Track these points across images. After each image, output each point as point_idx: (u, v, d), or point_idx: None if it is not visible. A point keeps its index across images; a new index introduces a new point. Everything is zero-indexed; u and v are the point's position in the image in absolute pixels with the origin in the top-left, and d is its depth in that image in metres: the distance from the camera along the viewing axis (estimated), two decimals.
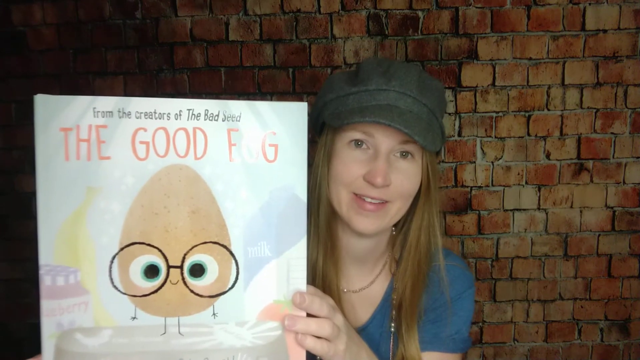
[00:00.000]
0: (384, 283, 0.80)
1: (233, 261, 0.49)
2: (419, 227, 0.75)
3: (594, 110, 1.80)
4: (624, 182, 1.83)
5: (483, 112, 1.81)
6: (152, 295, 0.48)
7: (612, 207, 1.85)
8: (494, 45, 1.77)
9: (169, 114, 0.46)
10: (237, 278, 0.49)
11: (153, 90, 1.82)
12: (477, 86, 1.79)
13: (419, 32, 1.77)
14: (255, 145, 0.48)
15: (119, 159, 0.46)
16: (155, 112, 0.46)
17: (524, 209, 1.86)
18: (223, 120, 0.47)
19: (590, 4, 1.73)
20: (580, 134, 1.81)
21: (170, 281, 0.49)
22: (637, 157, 1.82)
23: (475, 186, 1.85)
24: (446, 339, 0.75)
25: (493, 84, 1.79)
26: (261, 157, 0.48)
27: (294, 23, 1.78)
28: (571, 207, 1.85)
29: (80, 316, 0.48)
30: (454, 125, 1.82)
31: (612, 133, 1.81)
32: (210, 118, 0.47)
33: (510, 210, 1.86)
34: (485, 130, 1.82)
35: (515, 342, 1.93)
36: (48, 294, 0.47)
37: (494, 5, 1.75)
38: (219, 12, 1.78)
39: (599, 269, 1.88)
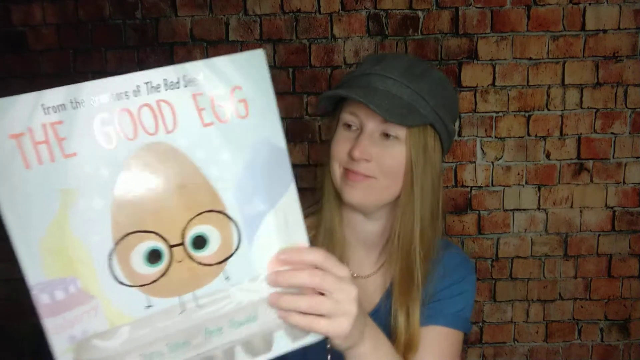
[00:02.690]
0: (390, 272, 0.83)
1: (232, 224, 0.49)
2: (402, 212, 0.77)
3: (594, 110, 1.80)
4: (624, 182, 1.83)
5: (483, 112, 1.81)
6: (161, 279, 0.47)
7: (612, 207, 1.85)
8: (494, 45, 1.77)
9: (126, 92, 0.43)
10: (240, 238, 0.49)
11: None
12: (477, 86, 1.80)
13: (419, 32, 1.77)
14: (225, 105, 0.46)
15: (86, 153, 0.43)
16: (112, 94, 0.43)
17: (524, 209, 1.86)
18: (185, 86, 0.45)
19: (590, 4, 1.73)
20: (580, 134, 1.81)
21: (176, 260, 0.47)
22: (637, 157, 1.82)
23: (475, 186, 1.85)
24: (449, 315, 0.78)
25: (493, 84, 1.79)
26: (233, 115, 0.47)
27: (294, 23, 1.78)
28: (571, 207, 1.85)
29: (92, 323, 0.46)
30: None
31: (612, 133, 1.81)
32: (171, 87, 0.44)
33: (510, 210, 1.86)
34: (485, 130, 1.82)
35: (515, 342, 1.94)
36: (49, 312, 0.44)
37: (494, 5, 1.75)
38: (219, 12, 1.78)
39: (599, 269, 1.88)
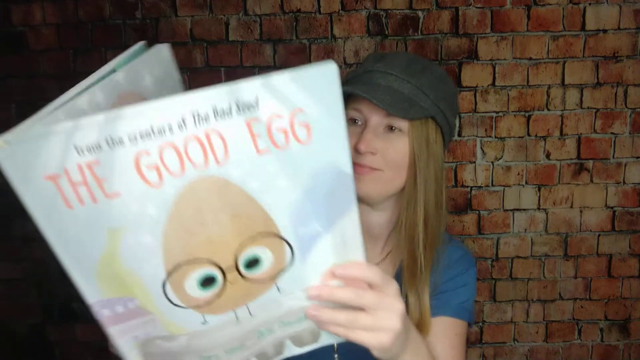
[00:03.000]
0: (396, 261, 0.86)
1: (285, 244, 0.46)
2: (407, 203, 0.81)
3: (594, 110, 1.80)
4: (624, 182, 1.83)
5: (483, 112, 1.81)
6: (215, 300, 0.46)
7: (612, 207, 1.85)
8: (494, 45, 1.77)
9: (170, 126, 0.37)
10: (293, 256, 0.47)
11: None
12: (477, 86, 1.80)
13: (419, 32, 1.77)
14: (283, 130, 0.39)
15: (130, 192, 0.38)
16: (152, 129, 0.36)
17: (524, 209, 1.86)
18: (238, 113, 0.37)
19: (590, 4, 1.73)
20: (580, 134, 1.81)
21: (229, 282, 0.45)
22: (637, 157, 1.82)
23: (475, 186, 1.85)
24: (455, 306, 0.82)
25: (493, 84, 1.79)
26: (292, 140, 0.40)
27: (294, 23, 1.78)
28: (571, 207, 1.85)
29: (153, 329, 0.47)
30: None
31: (612, 133, 1.81)
32: (222, 115, 0.37)
33: (510, 210, 1.86)
34: (485, 130, 1.82)
35: (515, 342, 1.94)
36: (112, 322, 0.45)
37: (494, 5, 1.75)
38: (219, 12, 1.78)
39: (599, 269, 1.88)
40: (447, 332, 0.80)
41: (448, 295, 0.82)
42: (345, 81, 0.82)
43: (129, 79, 0.47)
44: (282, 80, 0.37)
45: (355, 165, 0.76)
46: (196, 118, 0.37)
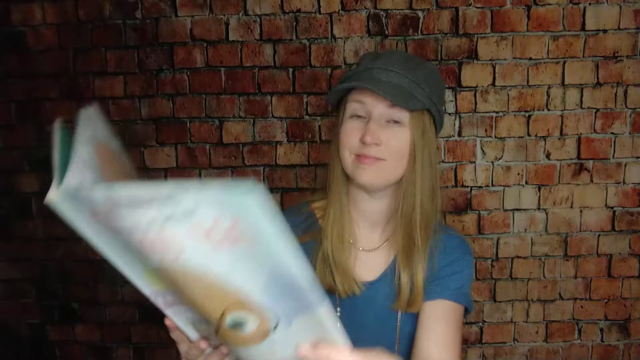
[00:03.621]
0: (394, 248, 0.91)
1: (265, 309, 0.48)
2: (405, 189, 0.86)
3: (594, 110, 1.80)
4: (624, 182, 1.83)
5: (483, 112, 1.81)
6: (216, 333, 0.53)
7: (612, 207, 1.85)
8: (494, 45, 1.77)
9: (138, 224, 0.41)
10: (277, 322, 0.49)
11: (153, 90, 1.82)
12: (477, 86, 1.79)
13: (419, 32, 1.77)
14: (231, 231, 0.41)
15: None
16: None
17: (524, 209, 1.86)
18: (182, 220, 0.40)
19: (590, 4, 1.73)
20: (580, 134, 1.81)
21: (222, 329, 0.51)
22: (637, 157, 1.82)
23: (475, 186, 1.85)
24: (453, 290, 0.86)
25: (493, 84, 1.79)
26: (241, 240, 0.41)
27: (294, 23, 1.78)
28: (571, 207, 1.85)
29: (194, 314, 0.56)
30: (454, 125, 1.82)
31: (612, 133, 1.81)
32: (168, 220, 0.40)
33: (510, 210, 1.86)
34: (485, 130, 1.82)
35: (515, 342, 1.94)
36: (166, 306, 0.56)
37: (494, 5, 1.75)
38: (219, 12, 1.78)
39: (599, 269, 1.88)
40: (445, 314, 0.85)
41: (446, 281, 0.87)
42: (346, 78, 0.87)
43: (93, 134, 0.54)
44: (212, 197, 0.38)
45: (361, 156, 0.83)
46: (147, 221, 0.40)
